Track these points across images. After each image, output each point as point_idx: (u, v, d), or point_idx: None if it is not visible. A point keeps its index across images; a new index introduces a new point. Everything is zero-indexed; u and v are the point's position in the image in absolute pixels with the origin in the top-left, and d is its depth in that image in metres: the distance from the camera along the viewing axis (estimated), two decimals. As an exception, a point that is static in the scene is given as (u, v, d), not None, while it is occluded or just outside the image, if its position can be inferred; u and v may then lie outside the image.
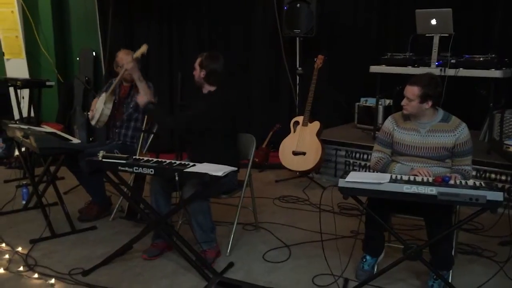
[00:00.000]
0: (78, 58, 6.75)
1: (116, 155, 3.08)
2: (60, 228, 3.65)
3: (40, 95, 5.50)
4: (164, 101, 6.69)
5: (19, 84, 5.18)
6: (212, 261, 3.15)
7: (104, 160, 3.00)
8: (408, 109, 2.91)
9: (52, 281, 2.92)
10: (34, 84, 5.44)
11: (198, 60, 3.40)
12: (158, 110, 3.48)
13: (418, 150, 2.93)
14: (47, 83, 5.37)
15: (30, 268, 3.09)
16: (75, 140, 3.66)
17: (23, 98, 5.32)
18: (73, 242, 3.53)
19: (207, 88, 3.40)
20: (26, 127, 3.84)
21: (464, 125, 2.91)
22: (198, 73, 3.38)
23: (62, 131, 4.15)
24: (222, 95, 3.38)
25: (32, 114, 5.47)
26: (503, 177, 4.08)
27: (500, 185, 4.00)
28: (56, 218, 3.73)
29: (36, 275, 2.99)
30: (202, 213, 3.11)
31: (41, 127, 4.16)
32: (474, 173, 4.14)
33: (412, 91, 2.85)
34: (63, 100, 6.65)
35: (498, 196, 2.37)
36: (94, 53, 6.68)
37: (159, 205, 3.20)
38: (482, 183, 2.56)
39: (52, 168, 3.82)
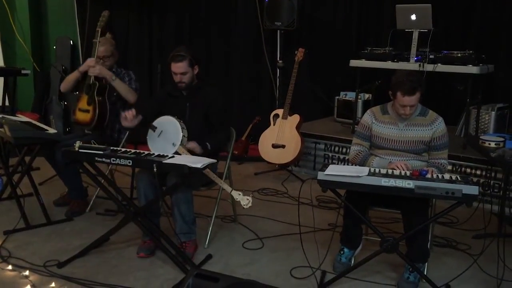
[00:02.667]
0: (54, 47, 6.63)
1: (93, 145, 3.03)
2: (35, 219, 3.59)
3: (16, 83, 5.38)
4: (143, 93, 6.65)
5: (-7, 72, 5.07)
6: (192, 256, 3.13)
7: (80, 150, 2.95)
8: (411, 114, 2.91)
9: (27, 273, 2.87)
10: (9, 72, 5.32)
11: (185, 63, 3.21)
12: (214, 142, 3.23)
13: (395, 143, 2.96)
14: (23, 72, 5.25)
15: (4, 259, 3.03)
16: (51, 130, 3.59)
17: (-3, 86, 5.21)
18: (48, 234, 3.47)
19: (193, 82, 3.35)
20: (0, 116, 3.75)
21: (441, 119, 2.95)
22: (192, 73, 3.27)
23: (38, 121, 4.06)
24: (212, 86, 3.38)
25: (7, 103, 5.36)
26: (478, 172, 4.15)
27: (475, 179, 4.07)
28: (31, 209, 3.66)
29: (10, 267, 2.94)
30: (186, 203, 3.08)
31: (16, 116, 4.07)
32: (450, 167, 4.20)
33: (416, 97, 2.84)
34: (39, 89, 6.52)
35: (473, 190, 2.41)
36: (71, 42, 6.57)
37: (148, 197, 3.11)
38: (458, 177, 2.60)
39: (27, 159, 3.75)
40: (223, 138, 3.37)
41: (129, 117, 3.14)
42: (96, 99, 3.63)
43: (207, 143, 3.18)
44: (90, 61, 3.62)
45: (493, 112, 4.56)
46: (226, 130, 3.40)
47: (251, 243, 3.42)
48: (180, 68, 3.23)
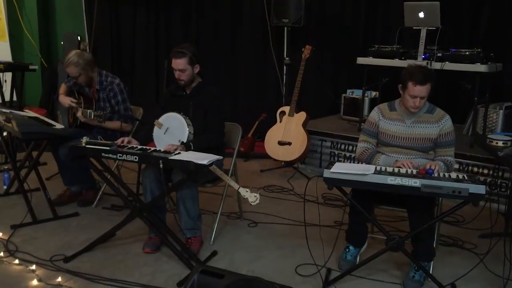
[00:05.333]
0: (62, 42, 6.65)
1: (100, 141, 3.04)
2: (42, 214, 3.61)
3: (23, 79, 5.40)
4: (150, 89, 6.67)
5: (1, 67, 5.07)
6: (197, 252, 3.13)
7: (87, 146, 2.97)
8: (420, 107, 2.89)
9: (33, 267, 2.89)
10: (17, 67, 5.34)
11: (184, 60, 3.19)
12: (199, 142, 3.16)
13: (402, 140, 2.95)
14: (30, 67, 5.28)
15: (11, 254, 3.06)
16: (58, 126, 3.61)
17: (5, 81, 5.23)
18: (55, 228, 3.49)
19: (196, 81, 3.34)
20: (8, 111, 3.77)
21: (448, 116, 2.95)
22: (191, 71, 3.24)
23: (45, 116, 4.08)
24: (216, 86, 3.36)
25: (15, 98, 5.39)
26: (486, 171, 4.13)
27: (482, 178, 4.05)
28: (37, 204, 3.68)
29: (16, 261, 2.96)
30: (191, 199, 3.09)
31: (24, 111, 4.09)
32: (457, 166, 4.18)
33: (427, 89, 2.82)
34: (47, 84, 6.55)
35: (480, 189, 2.39)
36: (79, 37, 6.58)
37: (154, 193, 3.12)
38: (465, 176, 2.58)
39: (34, 153, 3.77)
40: (209, 141, 3.23)
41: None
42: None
43: (191, 143, 3.11)
44: (79, 113, 3.68)
45: (501, 110, 4.53)
46: (215, 134, 3.29)
47: (256, 240, 3.43)
48: (179, 65, 3.22)
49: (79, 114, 3.67)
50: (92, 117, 3.50)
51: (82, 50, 3.73)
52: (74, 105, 3.79)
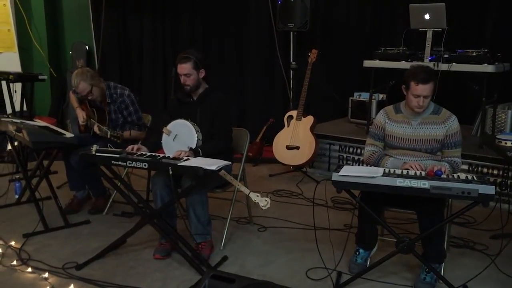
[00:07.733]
0: (70, 52, 6.72)
1: (109, 149, 3.07)
2: (53, 222, 3.64)
3: (33, 89, 5.48)
4: (158, 96, 6.71)
5: (11, 78, 5.14)
6: (208, 258, 3.15)
7: (97, 154, 3.00)
8: (424, 106, 2.88)
9: (46, 275, 2.92)
10: (26, 78, 5.40)
11: (189, 65, 3.22)
12: (207, 148, 3.17)
13: (409, 142, 2.94)
14: (40, 77, 5.34)
15: (24, 262, 3.09)
16: (68, 134, 3.64)
17: (15, 92, 5.29)
18: (67, 236, 3.52)
19: (203, 87, 3.37)
20: (18, 121, 3.82)
21: (454, 117, 2.94)
22: (196, 76, 3.26)
23: (55, 125, 4.13)
24: (222, 92, 3.38)
25: (25, 108, 5.45)
26: (495, 171, 4.10)
27: (492, 179, 4.03)
28: (49, 212, 3.72)
29: (29, 269, 2.99)
30: (201, 204, 3.11)
31: (34, 121, 4.13)
32: (466, 167, 4.16)
33: (430, 88, 2.83)
34: (56, 94, 6.62)
35: (490, 189, 2.38)
36: (87, 47, 6.65)
37: (164, 200, 3.14)
38: (474, 176, 2.57)
39: (45, 162, 3.81)
40: (217, 146, 3.24)
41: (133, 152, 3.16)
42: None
43: (199, 149, 3.13)
44: (95, 127, 3.73)
45: (509, 111, 4.51)
46: (223, 140, 3.31)
47: (267, 245, 3.43)
48: (184, 69, 3.24)
49: (95, 128, 3.71)
50: (108, 136, 3.51)
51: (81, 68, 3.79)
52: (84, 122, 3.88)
